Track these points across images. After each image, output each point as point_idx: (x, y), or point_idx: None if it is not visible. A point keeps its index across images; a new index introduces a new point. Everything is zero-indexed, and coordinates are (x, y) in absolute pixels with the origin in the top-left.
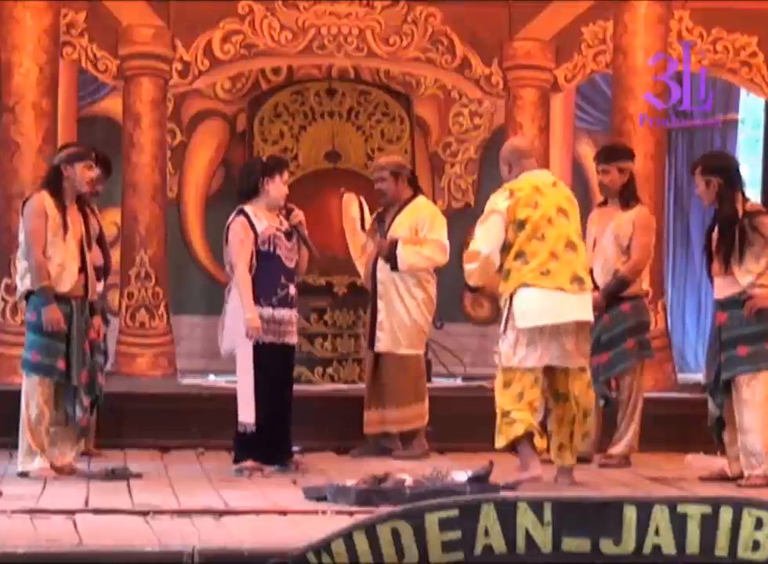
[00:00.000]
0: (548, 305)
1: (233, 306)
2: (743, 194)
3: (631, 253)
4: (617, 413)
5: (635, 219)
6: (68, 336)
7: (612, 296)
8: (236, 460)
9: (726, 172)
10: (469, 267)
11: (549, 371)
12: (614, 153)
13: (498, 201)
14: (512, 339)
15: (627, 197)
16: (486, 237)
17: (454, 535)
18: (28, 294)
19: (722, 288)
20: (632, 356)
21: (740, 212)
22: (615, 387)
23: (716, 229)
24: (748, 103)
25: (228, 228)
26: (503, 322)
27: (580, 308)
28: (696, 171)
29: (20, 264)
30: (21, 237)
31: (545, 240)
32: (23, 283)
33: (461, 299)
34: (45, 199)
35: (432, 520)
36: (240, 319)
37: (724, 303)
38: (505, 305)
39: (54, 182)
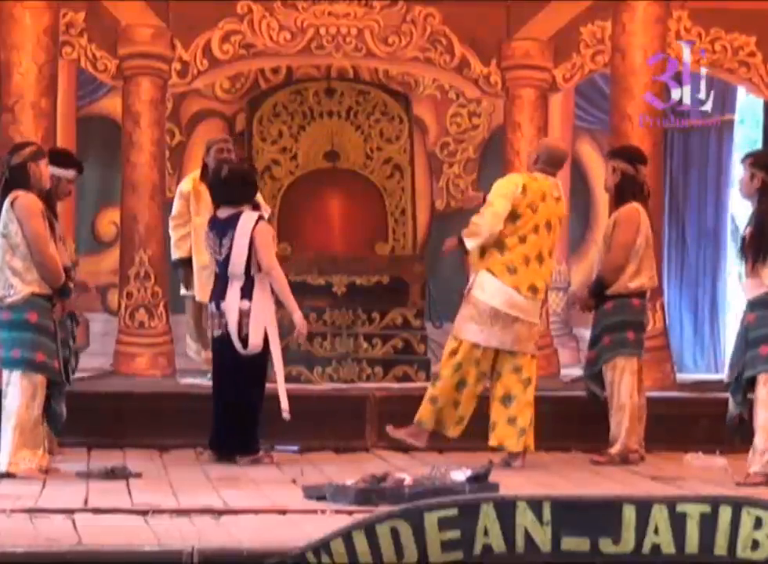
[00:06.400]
0: (502, 295)
1: (257, 304)
2: None
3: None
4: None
5: (616, 217)
6: (56, 335)
7: (594, 294)
8: (253, 451)
9: None
10: (475, 240)
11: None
12: (611, 152)
13: (515, 189)
14: (466, 313)
15: (616, 197)
16: (495, 221)
17: (454, 534)
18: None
19: (751, 288)
20: (607, 352)
21: None
22: None
23: (749, 227)
24: (747, 103)
25: (254, 232)
26: (466, 291)
27: (526, 310)
28: (746, 161)
29: (18, 263)
30: (16, 239)
31: (524, 243)
32: (25, 288)
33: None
34: (36, 199)
35: (431, 520)
36: (266, 316)
37: (753, 303)
38: (472, 279)
39: (25, 181)
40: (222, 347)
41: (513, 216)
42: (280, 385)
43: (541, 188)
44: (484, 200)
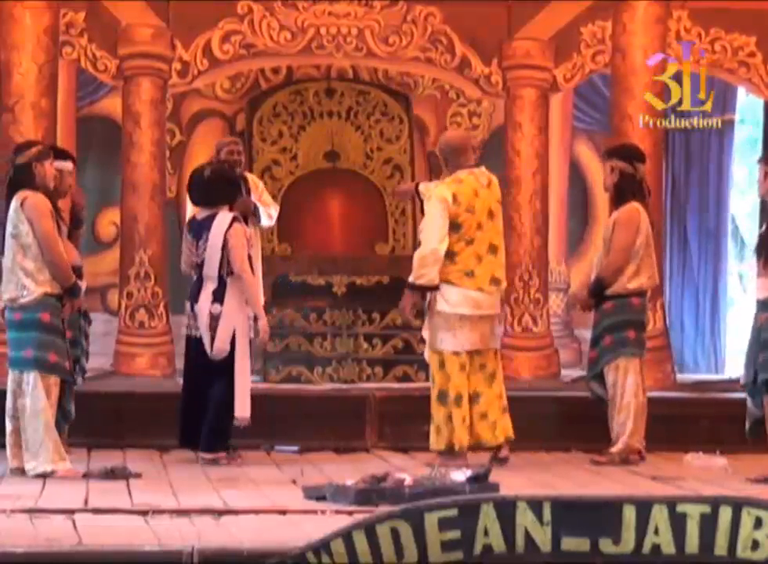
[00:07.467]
0: (468, 301)
1: (228, 308)
2: None
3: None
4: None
5: (616, 218)
6: (65, 335)
7: (594, 295)
8: (211, 450)
9: None
10: (430, 269)
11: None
12: (608, 151)
13: (446, 204)
14: (434, 325)
15: (615, 197)
16: (439, 236)
17: (454, 535)
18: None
19: (763, 288)
20: (609, 353)
21: None
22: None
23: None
24: (748, 103)
25: (227, 234)
26: (426, 307)
27: (489, 305)
28: (761, 162)
29: (30, 264)
30: (27, 239)
31: (473, 243)
32: (38, 289)
33: None
34: (45, 199)
35: (431, 520)
36: (236, 320)
37: (765, 303)
38: (430, 294)
39: (29, 181)
40: (193, 348)
41: (455, 226)
42: (239, 391)
43: (471, 186)
44: (416, 190)
